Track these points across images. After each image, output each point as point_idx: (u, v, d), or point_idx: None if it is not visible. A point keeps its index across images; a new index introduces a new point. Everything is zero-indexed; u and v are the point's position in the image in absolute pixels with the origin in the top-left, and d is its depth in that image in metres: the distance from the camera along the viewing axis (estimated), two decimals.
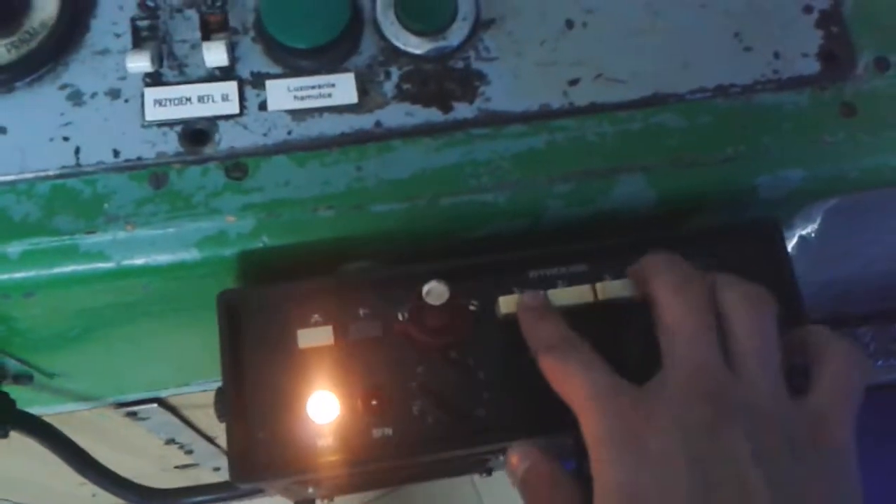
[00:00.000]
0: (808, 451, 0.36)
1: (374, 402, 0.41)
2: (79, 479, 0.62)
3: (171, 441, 0.87)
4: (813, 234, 0.64)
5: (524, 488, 0.39)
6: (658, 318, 0.39)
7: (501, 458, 0.47)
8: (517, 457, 0.40)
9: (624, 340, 0.43)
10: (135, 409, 0.70)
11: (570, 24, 0.48)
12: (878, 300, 0.92)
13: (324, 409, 0.41)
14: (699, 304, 0.38)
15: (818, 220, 0.62)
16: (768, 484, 0.34)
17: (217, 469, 1.07)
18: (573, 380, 0.38)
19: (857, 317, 0.95)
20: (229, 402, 0.41)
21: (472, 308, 0.43)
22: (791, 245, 0.66)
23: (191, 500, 0.66)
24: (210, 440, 0.92)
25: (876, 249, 0.71)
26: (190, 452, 0.94)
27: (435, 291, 0.40)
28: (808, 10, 0.49)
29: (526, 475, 0.39)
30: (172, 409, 0.75)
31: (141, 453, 0.93)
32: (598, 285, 0.43)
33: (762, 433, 0.35)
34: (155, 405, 0.70)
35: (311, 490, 0.47)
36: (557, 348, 0.39)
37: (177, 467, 1.04)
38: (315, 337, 0.42)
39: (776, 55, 0.48)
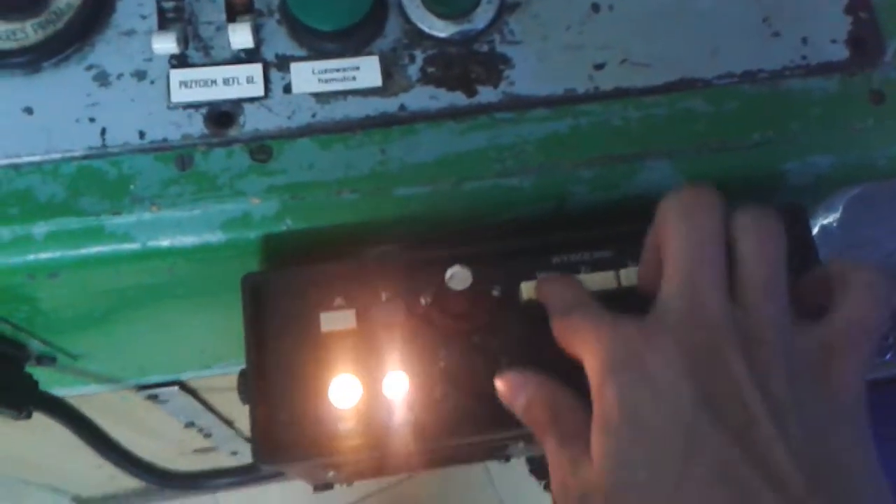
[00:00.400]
0: (808, 382, 0.35)
1: (396, 387, 0.41)
2: (97, 460, 0.63)
3: (190, 424, 0.88)
4: (835, 224, 0.63)
5: (528, 421, 0.39)
6: (662, 246, 0.38)
7: (521, 444, 0.47)
8: (509, 389, 0.40)
9: None
10: (156, 391, 0.70)
11: (596, 7, 0.48)
12: None
13: (346, 393, 0.41)
14: (707, 232, 0.37)
15: (840, 210, 0.61)
16: (765, 405, 0.33)
17: (235, 453, 1.08)
18: (580, 332, 0.38)
19: None
20: (253, 385, 0.42)
21: (494, 293, 0.43)
22: (813, 234, 0.65)
23: (209, 482, 0.67)
24: (229, 424, 0.93)
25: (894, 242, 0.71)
26: (209, 436, 0.94)
27: (458, 276, 0.40)
28: None
29: (526, 410, 0.39)
30: (192, 392, 0.76)
31: (160, 436, 0.93)
32: (622, 272, 0.43)
33: (761, 360, 0.35)
34: (176, 388, 0.70)
35: (331, 474, 0.47)
36: (568, 308, 0.39)
37: (195, 451, 1.05)
38: (338, 321, 0.42)
39: (804, 41, 0.48)
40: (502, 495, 1.47)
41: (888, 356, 0.96)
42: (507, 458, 0.58)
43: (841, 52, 0.48)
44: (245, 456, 1.08)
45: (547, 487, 0.73)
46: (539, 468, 0.73)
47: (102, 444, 0.62)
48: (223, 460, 1.10)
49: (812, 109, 0.46)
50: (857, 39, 0.48)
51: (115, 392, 0.70)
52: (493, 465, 1.49)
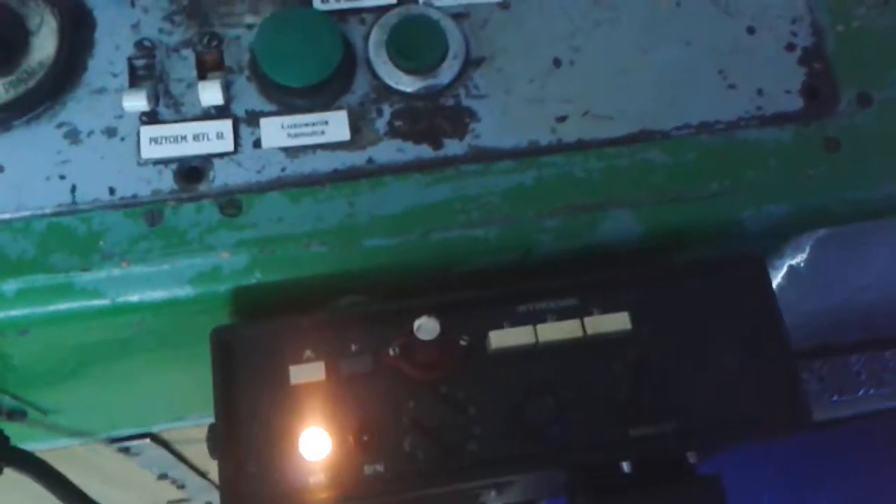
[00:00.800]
0: None
1: (365, 438, 0.42)
2: None
3: (163, 476, 0.87)
4: (802, 264, 0.65)
5: None
6: None
7: (493, 492, 0.47)
8: None
9: (614, 376, 0.43)
10: (127, 444, 0.69)
11: (557, 62, 0.49)
12: (868, 329, 0.93)
13: (315, 445, 0.41)
14: None
15: (807, 250, 0.63)
16: None
17: (209, 503, 1.06)
18: None
19: (848, 346, 0.96)
20: (222, 438, 0.42)
21: (462, 343, 0.44)
22: (781, 275, 0.66)
23: None
24: (202, 475, 0.92)
25: (864, 279, 0.72)
26: (182, 487, 0.93)
27: (426, 327, 0.41)
28: (790, 47, 0.50)
29: None
30: (165, 444, 0.75)
31: (133, 488, 0.92)
32: (587, 319, 0.43)
33: None
34: (147, 440, 0.70)
35: None
36: None
37: (169, 502, 1.03)
38: (307, 373, 0.43)
39: (759, 92, 0.49)
40: None
41: (860, 392, 0.97)
42: None
43: (795, 103, 0.50)
44: None
45: None
46: None
47: (74, 499, 0.61)
48: None
49: (768, 159, 0.48)
50: (812, 89, 0.50)
51: (87, 445, 0.69)
52: None
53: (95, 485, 0.67)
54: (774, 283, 0.62)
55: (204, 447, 0.45)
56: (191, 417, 0.66)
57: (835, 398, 0.96)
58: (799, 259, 0.64)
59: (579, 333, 0.43)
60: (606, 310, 0.44)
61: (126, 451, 0.71)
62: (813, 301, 0.72)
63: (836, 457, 1.05)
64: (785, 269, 0.65)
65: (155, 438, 0.71)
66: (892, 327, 0.92)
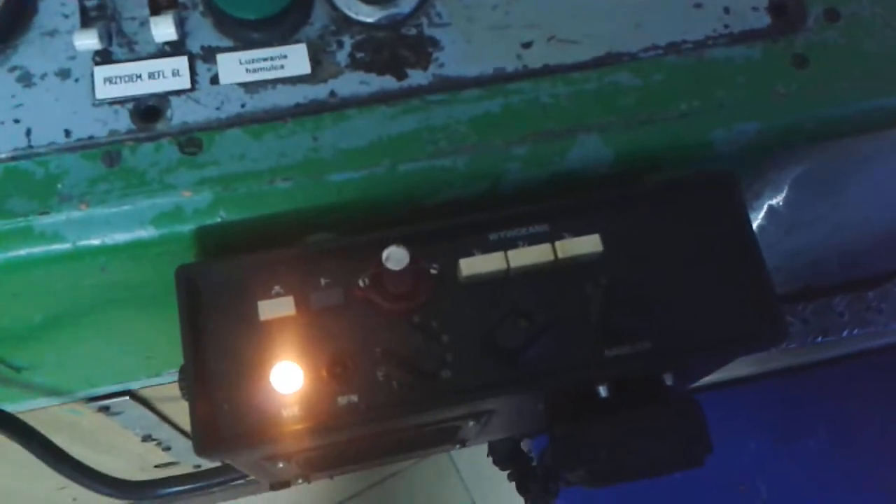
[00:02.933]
0: None
1: (338, 370, 0.41)
2: (59, 482, 0.62)
3: (147, 437, 0.86)
4: (781, 203, 0.64)
5: None
6: None
7: (472, 423, 0.47)
8: None
9: (587, 298, 0.43)
10: (106, 402, 0.69)
11: None
12: (849, 267, 0.93)
13: (288, 379, 0.41)
14: None
15: (785, 189, 0.62)
16: None
17: (198, 466, 1.06)
18: None
19: (830, 287, 0.96)
20: (192, 378, 0.41)
21: (432, 272, 0.43)
22: (761, 214, 0.66)
23: (166, 490, 0.65)
24: (187, 435, 0.91)
25: (844, 213, 0.72)
26: (168, 449, 0.93)
27: (394, 256, 0.40)
28: None
29: None
30: (145, 402, 0.75)
31: (119, 453, 0.92)
32: (558, 243, 0.43)
33: None
34: (127, 398, 0.69)
35: (280, 465, 0.47)
36: None
37: (157, 466, 1.03)
38: (276, 308, 0.42)
39: (726, 10, 0.48)
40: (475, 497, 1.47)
41: (844, 333, 0.97)
42: (463, 443, 0.58)
43: (763, 20, 0.49)
44: None
45: (511, 477, 0.73)
46: (502, 459, 0.73)
47: (54, 457, 0.61)
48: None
49: (736, 77, 0.47)
50: (779, 6, 0.49)
51: (67, 406, 0.68)
52: (464, 467, 1.49)
53: (81, 450, 0.66)
54: (754, 224, 0.62)
55: (186, 406, 0.44)
56: (167, 373, 0.65)
57: (819, 339, 0.97)
58: (778, 199, 0.64)
59: (550, 257, 0.43)
60: (577, 233, 0.43)
61: (106, 409, 0.70)
62: (793, 241, 0.72)
63: (822, 400, 1.05)
64: (764, 209, 0.65)
65: (134, 396, 0.71)
66: (873, 266, 0.93)
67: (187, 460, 1.02)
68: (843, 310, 0.98)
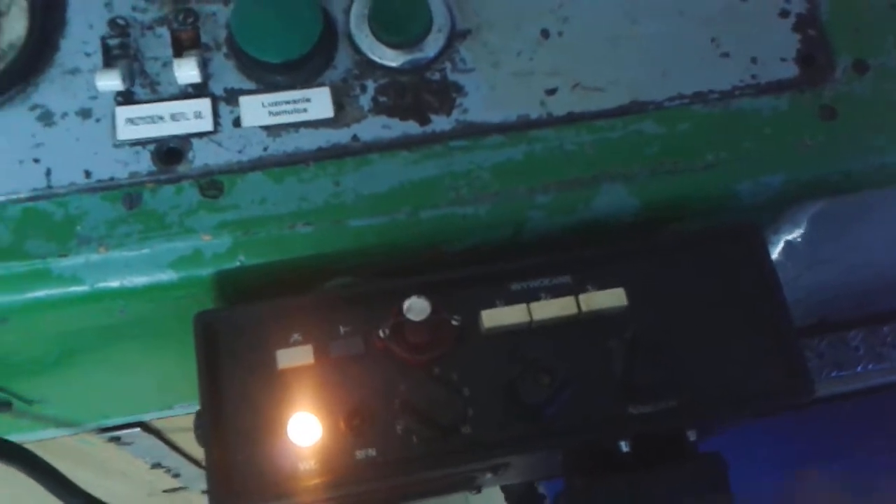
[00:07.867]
0: None
1: (356, 423, 0.41)
2: None
3: (157, 465, 0.86)
4: (799, 239, 0.64)
5: None
6: None
7: (489, 475, 0.46)
8: None
9: (610, 353, 0.42)
10: (118, 433, 0.68)
11: (545, 33, 0.48)
12: (865, 305, 0.92)
13: (305, 430, 0.40)
14: None
15: (804, 225, 0.62)
16: None
17: (206, 492, 1.06)
18: None
19: (846, 322, 0.95)
20: (208, 426, 0.40)
21: (454, 323, 0.42)
22: (778, 250, 0.65)
23: None
24: (197, 463, 0.91)
25: (860, 254, 0.71)
26: (177, 476, 0.92)
27: (416, 307, 0.39)
28: (784, 14, 0.49)
29: None
30: (157, 433, 0.74)
31: (127, 479, 0.91)
32: (582, 297, 0.42)
33: None
34: (138, 429, 0.69)
35: None
36: None
37: (165, 491, 1.03)
38: (294, 357, 0.41)
39: (754, 60, 0.48)
40: None
41: (859, 368, 0.96)
42: (478, 489, 0.57)
43: (791, 70, 0.48)
44: None
45: None
46: (516, 501, 0.72)
47: (63, 490, 0.60)
48: (195, 499, 1.07)
49: (763, 128, 0.47)
50: (807, 57, 0.49)
51: (77, 436, 0.68)
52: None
53: (88, 476, 0.66)
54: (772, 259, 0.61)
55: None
56: (179, 406, 0.65)
57: (833, 374, 0.96)
58: (796, 234, 0.63)
59: (574, 311, 0.42)
60: (601, 286, 0.42)
61: (117, 440, 0.70)
62: (810, 276, 0.71)
63: (835, 434, 1.04)
64: (782, 244, 0.64)
65: (145, 427, 0.70)
66: (889, 303, 0.92)
67: (195, 486, 1.01)
68: (858, 344, 0.97)
